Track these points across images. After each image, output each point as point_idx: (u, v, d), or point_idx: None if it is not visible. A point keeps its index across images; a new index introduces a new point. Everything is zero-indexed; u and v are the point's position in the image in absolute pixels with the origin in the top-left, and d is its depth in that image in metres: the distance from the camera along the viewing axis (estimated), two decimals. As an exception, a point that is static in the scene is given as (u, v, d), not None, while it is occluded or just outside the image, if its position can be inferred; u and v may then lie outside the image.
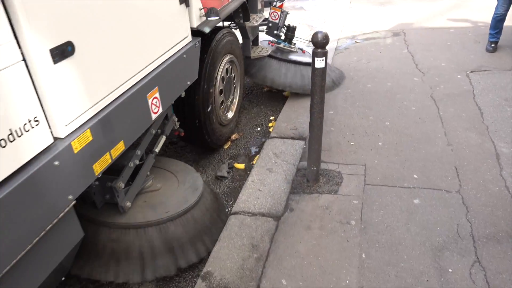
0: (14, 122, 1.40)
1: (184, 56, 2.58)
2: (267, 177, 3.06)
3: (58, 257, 1.74)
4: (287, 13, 4.38)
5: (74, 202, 1.71)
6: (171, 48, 2.44)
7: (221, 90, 3.37)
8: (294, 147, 3.42)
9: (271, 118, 4.15)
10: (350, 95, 4.25)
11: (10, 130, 1.38)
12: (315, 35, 2.40)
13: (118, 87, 1.95)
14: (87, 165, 1.77)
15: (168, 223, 2.33)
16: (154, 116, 2.28)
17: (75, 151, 1.67)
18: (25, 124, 1.45)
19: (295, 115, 3.95)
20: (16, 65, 1.39)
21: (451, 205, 2.63)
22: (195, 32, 2.74)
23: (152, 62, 2.24)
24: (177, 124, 2.88)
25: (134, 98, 2.06)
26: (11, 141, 1.39)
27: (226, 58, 3.36)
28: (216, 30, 3.14)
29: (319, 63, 2.45)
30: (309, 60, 4.08)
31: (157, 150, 2.58)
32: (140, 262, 2.28)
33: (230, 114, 3.67)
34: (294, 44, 4.45)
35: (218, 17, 2.80)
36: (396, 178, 2.93)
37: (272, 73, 4.10)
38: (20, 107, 1.43)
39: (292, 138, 3.56)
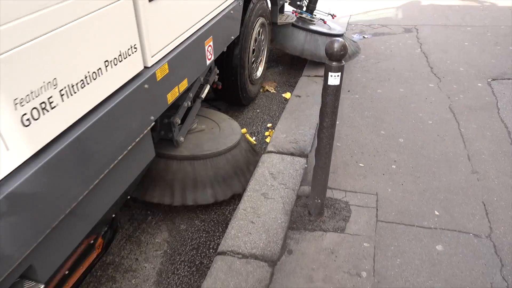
0: (123, 45, 1.69)
1: (231, 12, 2.92)
2: (261, 205, 2.59)
3: (135, 173, 1.99)
4: None
5: (153, 123, 1.99)
6: (222, 3, 2.76)
7: (253, 49, 3.70)
8: (294, 166, 2.94)
9: (269, 125, 3.66)
10: (358, 101, 3.76)
11: (120, 51, 1.67)
12: (330, 44, 1.89)
13: (187, 31, 2.28)
14: (164, 93, 2.09)
15: (215, 157, 2.64)
16: (207, 62, 2.62)
17: (158, 79, 1.97)
18: (129, 49, 1.73)
19: (295, 124, 3.46)
20: None
21: (482, 255, 2.19)
22: None
23: (209, 14, 2.56)
24: (217, 77, 3.18)
25: (196, 42, 2.38)
26: (120, 61, 1.67)
27: (259, 20, 3.68)
28: None
29: (334, 79, 1.95)
30: (329, 31, 4.43)
31: (203, 96, 2.85)
32: (193, 189, 2.59)
33: (258, 74, 4.00)
34: (315, 15, 4.65)
35: None
36: (414, 214, 2.48)
37: (295, 41, 4.29)
38: (126, 34, 1.71)
39: (292, 154, 3.08)
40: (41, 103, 1.30)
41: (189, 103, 2.64)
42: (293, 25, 4.30)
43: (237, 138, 2.79)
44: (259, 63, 4.01)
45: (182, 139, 2.63)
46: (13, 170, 1.25)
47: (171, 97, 2.16)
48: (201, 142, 2.71)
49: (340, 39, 1.90)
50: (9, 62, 1.16)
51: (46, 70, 1.30)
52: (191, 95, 2.63)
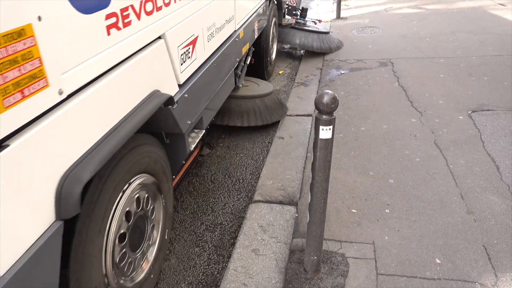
0: (230, 13, 3.18)
1: (264, 8, 4.48)
2: (253, 264, 2.41)
3: (227, 93, 3.48)
4: None
5: (237, 63, 3.58)
6: (259, 2, 4.32)
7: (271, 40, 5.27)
8: (284, 217, 2.79)
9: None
10: (343, 141, 3.69)
11: (229, 16, 3.15)
12: (320, 97, 1.80)
13: (247, 15, 3.78)
14: (241, 47, 3.59)
15: (264, 97, 4.05)
16: (255, 37, 4.15)
17: (240, 37, 3.48)
18: (230, 17, 3.19)
19: (281, 169, 3.34)
20: None
21: (491, 307, 2.07)
22: None
23: (255, 6, 4.11)
24: (251, 54, 4.42)
25: (251, 22, 3.92)
26: (229, 22, 3.17)
27: (274, 19, 5.25)
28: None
29: (325, 133, 1.85)
30: (318, 30, 6.19)
31: (247, 62, 4.12)
32: (252, 116, 3.98)
33: (273, 57, 5.48)
34: (307, 20, 6.36)
35: None
36: (414, 263, 2.35)
37: (293, 38, 5.91)
38: (231, 8, 3.21)
39: (281, 202, 2.94)
40: (210, 33, 2.73)
41: (243, 63, 3.96)
42: (292, 27, 5.95)
43: (271, 89, 4.17)
44: (273, 50, 5.48)
45: (241, 85, 4.00)
46: (197, 69, 2.56)
47: (243, 51, 3.69)
48: (250, 90, 4.11)
49: (329, 91, 1.81)
50: (207, 10, 2.62)
51: (214, 18, 2.78)
52: (243, 58, 3.93)
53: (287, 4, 6.09)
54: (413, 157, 3.37)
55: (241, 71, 3.90)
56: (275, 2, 5.22)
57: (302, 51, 6.42)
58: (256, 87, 4.21)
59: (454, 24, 7.09)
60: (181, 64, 2.28)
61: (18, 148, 1.22)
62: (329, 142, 1.87)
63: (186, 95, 2.32)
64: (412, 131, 3.79)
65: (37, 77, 1.29)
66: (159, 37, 2.04)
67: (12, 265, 1.24)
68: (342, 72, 5.35)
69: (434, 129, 3.79)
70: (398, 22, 7.45)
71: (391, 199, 2.89)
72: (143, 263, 2.19)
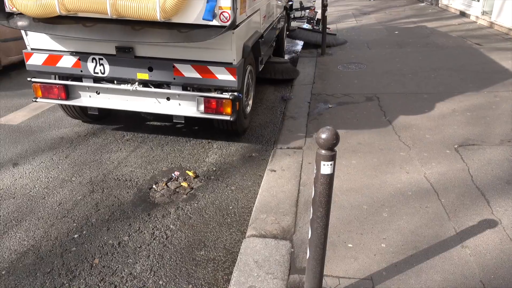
0: (272, 11, 6.21)
1: (282, 15, 7.50)
2: (250, 302, 2.33)
3: (269, 54, 6.54)
4: (317, 12, 9.71)
5: (274, 38, 6.76)
6: (282, 10, 7.47)
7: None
8: (279, 252, 2.74)
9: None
10: (336, 174, 3.68)
11: (272, 13, 6.38)
12: (320, 133, 1.81)
13: (278, 14, 6.88)
14: (276, 30, 6.70)
15: (285, 64, 6.82)
16: (279, 28, 7.14)
17: (276, 24, 6.58)
18: (273, 12, 6.25)
19: (275, 202, 3.31)
20: None
21: None
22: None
23: (280, 12, 7.21)
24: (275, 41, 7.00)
25: (278, 20, 6.88)
26: (272, 15, 6.19)
27: (285, 24, 8.22)
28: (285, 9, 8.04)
29: (326, 168, 1.85)
30: (319, 30, 8.83)
31: (274, 44, 6.83)
32: (281, 74, 6.68)
33: (284, 47, 8.20)
34: (320, 26, 8.88)
35: (292, 2, 9.04)
36: (414, 300, 2.32)
37: (301, 35, 9.02)
38: (273, 9, 6.33)
39: (275, 237, 2.89)
40: (268, 16, 5.67)
41: (273, 43, 6.68)
42: (299, 28, 9.08)
43: (288, 60, 7.02)
44: (284, 42, 8.16)
45: (272, 56, 6.85)
46: (263, 32, 5.18)
47: (276, 32, 6.73)
48: (278, 59, 6.79)
49: (330, 127, 1.83)
50: (268, 5, 5.64)
51: (269, 9, 5.73)
52: (275, 39, 6.68)
53: (307, 16, 9.82)
54: (405, 191, 3.40)
55: (272, 47, 6.64)
56: (288, 13, 8.55)
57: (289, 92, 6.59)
58: (279, 59, 6.89)
59: (435, 61, 7.38)
60: (262, 24, 4.97)
61: (238, 29, 3.71)
62: (330, 177, 1.87)
63: (263, 39, 4.97)
64: (402, 164, 3.84)
65: (244, 7, 3.85)
66: (259, 9, 4.72)
67: (237, 61, 3.75)
68: (330, 106, 5.45)
69: (423, 162, 3.85)
70: (381, 59, 7.72)
71: (387, 233, 2.88)
72: (248, 106, 4.74)
